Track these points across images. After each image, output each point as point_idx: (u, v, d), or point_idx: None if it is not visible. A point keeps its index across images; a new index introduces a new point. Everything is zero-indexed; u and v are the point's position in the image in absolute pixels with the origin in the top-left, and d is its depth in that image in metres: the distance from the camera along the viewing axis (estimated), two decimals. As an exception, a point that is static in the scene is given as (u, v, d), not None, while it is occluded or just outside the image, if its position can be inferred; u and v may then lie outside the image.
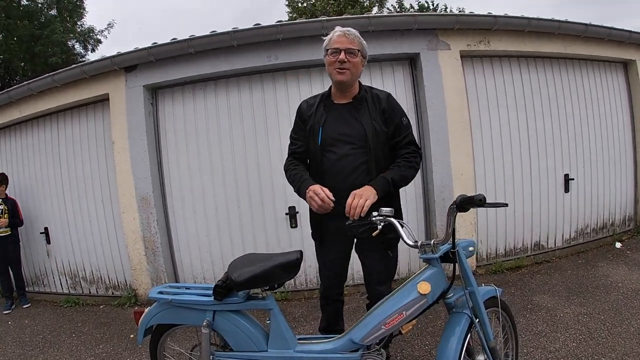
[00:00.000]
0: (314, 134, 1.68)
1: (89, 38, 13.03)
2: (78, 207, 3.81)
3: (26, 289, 3.96)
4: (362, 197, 1.46)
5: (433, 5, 14.84)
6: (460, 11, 14.72)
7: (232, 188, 3.42)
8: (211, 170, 3.43)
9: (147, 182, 3.35)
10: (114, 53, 3.28)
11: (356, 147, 1.62)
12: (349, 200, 1.47)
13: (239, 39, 3.02)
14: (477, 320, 1.48)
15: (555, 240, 3.75)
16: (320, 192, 1.52)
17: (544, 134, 3.68)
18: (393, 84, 3.37)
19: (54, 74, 3.50)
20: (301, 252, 1.52)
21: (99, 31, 13.10)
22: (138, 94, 3.33)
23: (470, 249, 1.56)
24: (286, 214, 3.33)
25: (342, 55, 1.57)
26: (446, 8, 15.01)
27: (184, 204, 3.48)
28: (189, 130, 3.44)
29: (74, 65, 3.48)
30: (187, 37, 3.05)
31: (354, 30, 1.62)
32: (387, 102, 1.68)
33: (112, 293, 3.78)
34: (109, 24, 13.10)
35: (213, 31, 3.07)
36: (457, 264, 1.44)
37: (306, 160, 1.80)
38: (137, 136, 3.35)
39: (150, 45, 3.15)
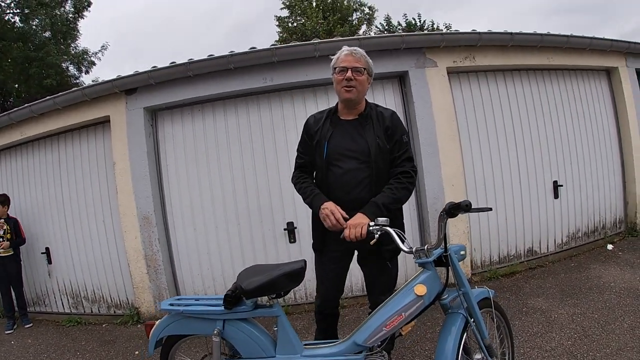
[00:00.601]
0: (320, 148, 1.77)
1: (83, 60, 13.38)
2: (79, 227, 3.92)
3: (27, 309, 4.00)
4: (357, 227, 1.57)
5: (420, 22, 15.32)
6: (447, 26, 15.24)
7: (231, 205, 3.56)
8: (210, 188, 3.58)
9: (148, 202, 3.49)
10: (113, 76, 3.48)
11: (360, 162, 1.72)
12: (346, 232, 1.59)
13: (235, 62, 3.21)
14: (472, 319, 1.61)
15: (547, 246, 3.92)
16: (336, 212, 1.63)
17: (531, 143, 3.89)
18: (384, 101, 3.55)
19: (55, 96, 3.66)
20: (305, 262, 1.62)
21: (92, 53, 13.47)
22: (138, 116, 3.50)
23: (462, 252, 1.69)
24: (284, 229, 3.48)
25: (349, 74, 1.67)
26: (433, 24, 15.52)
27: (184, 221, 3.61)
28: (189, 150, 3.60)
29: (75, 89, 3.64)
30: (186, 61, 3.24)
31: (360, 50, 1.73)
32: (391, 120, 1.78)
33: (114, 312, 3.86)
34: (103, 46, 13.52)
35: (210, 55, 3.27)
36: (450, 267, 1.58)
37: (312, 172, 1.89)
38: (138, 157, 3.49)
39: (150, 69, 3.33)
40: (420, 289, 1.50)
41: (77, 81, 13.65)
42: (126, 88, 3.47)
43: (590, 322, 2.58)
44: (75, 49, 13.31)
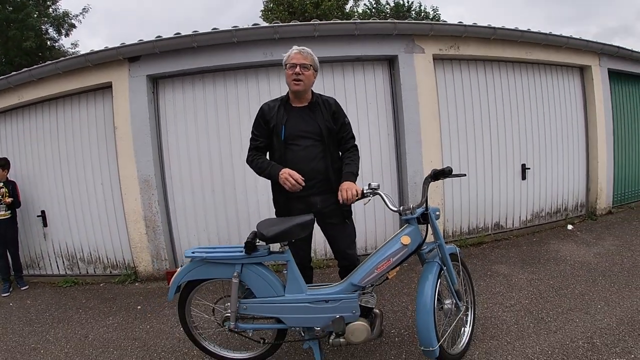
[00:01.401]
0: (277, 131, 2.06)
1: (64, 22, 13.04)
2: (77, 190, 4.09)
3: (23, 271, 4.12)
4: (352, 188, 1.93)
5: (408, 2, 15.60)
6: (434, 10, 15.66)
7: (228, 171, 3.88)
8: (209, 154, 3.87)
9: (148, 165, 3.75)
10: (93, 40, 3.85)
11: (315, 140, 2.07)
12: (344, 195, 1.91)
13: (239, 37, 3.49)
14: (445, 267, 1.98)
15: (513, 221, 4.45)
16: (294, 174, 1.95)
17: (504, 129, 4.36)
18: (374, 81, 3.95)
19: (57, 61, 3.82)
20: (313, 215, 1.93)
21: (73, 16, 13.15)
22: (141, 82, 3.72)
23: (437, 213, 2.05)
24: (277, 195, 3.84)
25: (297, 69, 1.99)
26: (420, 5, 15.91)
27: (182, 185, 3.91)
28: (189, 117, 3.87)
29: (78, 54, 3.82)
30: (191, 33, 3.49)
31: (307, 49, 2.06)
32: (336, 106, 2.16)
33: (110, 272, 4.10)
34: (84, 8, 13.17)
35: (215, 28, 3.54)
36: (429, 224, 1.93)
37: (266, 153, 2.19)
38: (140, 122, 3.73)
39: (155, 38, 3.55)
40: (406, 239, 1.85)
41: (57, 44, 13.38)
42: (130, 56, 3.67)
43: (545, 286, 2.98)
44: (56, 11, 12.98)
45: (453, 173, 1.86)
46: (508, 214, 4.42)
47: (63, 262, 4.24)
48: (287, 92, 2.15)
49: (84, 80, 3.86)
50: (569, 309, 2.58)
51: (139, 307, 3.21)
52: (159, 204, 3.80)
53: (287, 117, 2.08)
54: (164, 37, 3.56)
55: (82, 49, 13.92)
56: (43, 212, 4.21)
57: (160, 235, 3.83)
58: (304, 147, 2.06)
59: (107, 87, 3.89)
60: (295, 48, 2.06)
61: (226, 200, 3.91)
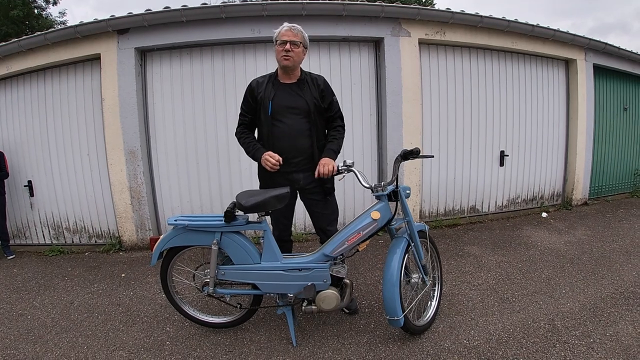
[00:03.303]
0: (264, 106, 2.12)
1: (51, -9, 12.92)
2: (64, 161, 4.20)
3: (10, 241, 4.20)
4: (329, 164, 2.03)
5: None
6: None
7: (212, 144, 4.03)
8: (194, 127, 4.02)
9: (135, 137, 3.88)
10: (81, 8, 3.91)
11: (301, 117, 2.12)
12: (321, 169, 2.01)
13: (227, 12, 3.61)
14: (413, 243, 2.10)
15: (489, 206, 4.68)
16: (273, 156, 2.04)
17: (485, 115, 4.55)
18: (359, 62, 4.10)
19: (46, 32, 3.87)
20: (289, 188, 2.02)
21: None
22: (129, 55, 3.83)
23: (407, 191, 2.16)
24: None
25: (287, 46, 2.05)
26: None
27: (168, 157, 4.06)
28: (176, 90, 4.00)
29: (68, 25, 3.88)
30: (181, 7, 3.59)
31: (298, 26, 2.10)
32: (324, 84, 2.22)
33: (95, 241, 4.27)
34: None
35: (204, 3, 3.66)
36: (398, 201, 2.05)
37: (253, 129, 2.29)
38: (127, 94, 3.85)
39: (145, 11, 3.65)
40: (376, 214, 1.98)
41: (44, 12, 13.26)
42: (119, 28, 3.77)
43: (514, 269, 3.12)
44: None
45: (421, 154, 2.02)
46: (484, 199, 4.66)
47: (49, 231, 4.37)
48: (276, 69, 2.22)
49: (73, 51, 3.94)
50: (534, 291, 2.71)
51: (123, 275, 3.35)
52: (144, 175, 3.95)
53: (274, 92, 2.13)
54: (154, 10, 3.66)
55: (70, 18, 13.84)
56: (30, 182, 4.31)
57: (145, 206, 3.99)
58: (290, 123, 2.12)
59: (95, 59, 3.98)
60: (286, 25, 2.10)
61: (210, 172, 4.07)
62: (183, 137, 4.05)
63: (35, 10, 12.74)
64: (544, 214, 4.85)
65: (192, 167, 4.07)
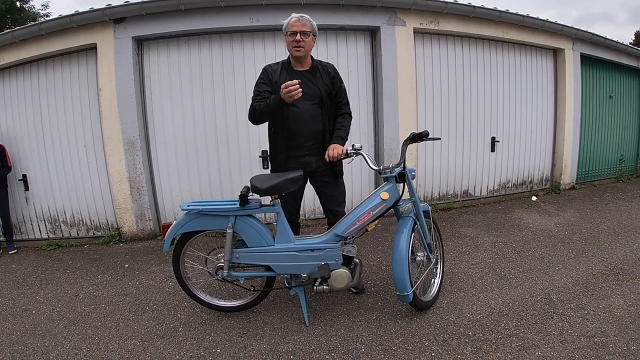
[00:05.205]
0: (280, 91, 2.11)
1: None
2: (59, 153, 4.16)
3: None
4: (337, 148, 2.12)
5: None
6: None
7: (211, 133, 4.09)
8: (193, 116, 4.07)
9: (133, 127, 3.91)
10: (105, 5, 3.78)
11: (314, 103, 2.23)
12: (330, 153, 2.10)
13: (227, 1, 3.66)
14: (418, 222, 2.22)
15: (481, 190, 4.89)
16: (288, 83, 1.94)
17: (477, 103, 4.73)
18: (355, 51, 4.22)
19: (40, 22, 3.86)
20: (302, 171, 2.12)
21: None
22: (126, 44, 3.84)
23: (413, 173, 2.30)
24: (259, 156, 4.11)
25: (298, 37, 2.13)
26: None
27: (166, 147, 4.10)
28: (173, 79, 4.03)
29: (63, 15, 3.83)
30: (179, -5, 3.63)
31: (306, 16, 2.18)
32: (334, 72, 2.34)
33: (94, 234, 4.26)
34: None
35: (202, -9, 3.71)
36: (405, 183, 2.16)
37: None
38: (125, 84, 3.86)
39: (142, 0, 3.67)
40: (385, 195, 2.09)
41: (27, 5, 12.99)
42: (116, 17, 3.78)
43: (508, 249, 3.30)
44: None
45: (429, 137, 2.11)
46: (477, 183, 4.86)
47: (45, 225, 4.34)
48: (288, 57, 2.30)
49: (68, 41, 3.91)
50: (529, 269, 2.87)
51: (126, 265, 3.37)
52: (144, 165, 3.99)
53: (289, 79, 2.13)
54: (151, -2, 3.69)
55: (53, 10, 13.53)
56: (24, 175, 4.26)
57: (145, 196, 4.04)
58: (305, 109, 2.20)
59: (91, 49, 3.97)
60: (294, 16, 2.18)
61: (209, 161, 4.14)
62: (182, 127, 4.10)
63: (18, 3, 12.46)
64: (534, 198, 5.07)
65: (192, 157, 4.13)
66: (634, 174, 6.90)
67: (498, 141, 4.89)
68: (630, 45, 6.16)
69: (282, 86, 1.97)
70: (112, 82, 3.90)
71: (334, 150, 2.12)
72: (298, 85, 1.96)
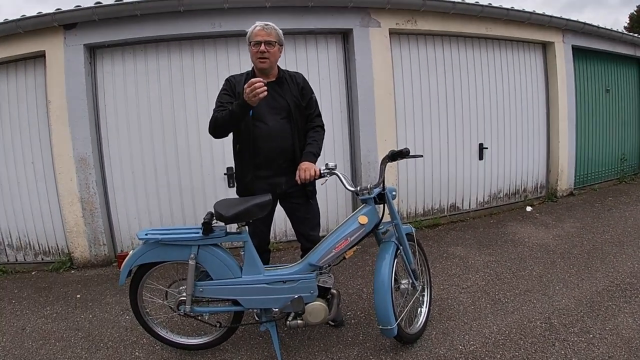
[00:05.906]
0: None
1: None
2: (4, 169, 4.16)
3: None
4: (310, 168, 2.13)
5: None
6: None
7: (171, 149, 4.19)
8: (151, 132, 4.17)
9: (85, 143, 3.97)
10: (54, 10, 3.86)
11: (282, 117, 2.26)
12: (302, 175, 2.10)
13: (186, 5, 3.78)
14: (401, 247, 2.24)
15: (470, 203, 5.04)
16: (251, 81, 1.93)
17: (461, 107, 4.91)
18: (327, 56, 4.39)
19: None
20: (270, 195, 2.11)
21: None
22: (78, 52, 3.92)
23: (394, 193, 2.30)
24: (225, 174, 4.21)
25: (262, 47, 2.15)
26: None
27: (122, 164, 4.18)
28: (129, 91, 4.13)
29: (8, 20, 3.87)
30: (135, 0, 3.70)
31: (271, 24, 2.22)
32: (303, 81, 2.39)
33: (42, 259, 4.28)
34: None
35: (161, -5, 3.82)
36: (385, 204, 2.18)
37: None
38: (76, 96, 3.93)
39: (95, 4, 3.77)
40: (363, 219, 2.09)
41: None
42: (66, 22, 3.85)
43: (503, 268, 3.31)
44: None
45: (410, 154, 2.15)
46: (465, 195, 5.02)
47: (-13, 250, 4.32)
48: (252, 67, 2.33)
49: (14, 48, 3.96)
50: (526, 290, 2.87)
51: (78, 295, 3.36)
52: (97, 185, 4.06)
53: None
54: (104, 3, 3.78)
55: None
56: (-36, 196, 4.25)
57: (99, 218, 4.09)
58: (272, 124, 2.23)
59: (39, 57, 4.03)
60: (258, 24, 2.21)
61: (169, 178, 4.23)
62: (139, 142, 4.19)
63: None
64: (529, 208, 5.24)
65: (150, 174, 4.21)
66: (637, 173, 7.04)
67: (486, 148, 5.07)
68: (626, 33, 6.28)
69: (246, 85, 1.95)
70: (62, 94, 3.96)
71: (306, 171, 2.12)
72: (262, 84, 1.94)
